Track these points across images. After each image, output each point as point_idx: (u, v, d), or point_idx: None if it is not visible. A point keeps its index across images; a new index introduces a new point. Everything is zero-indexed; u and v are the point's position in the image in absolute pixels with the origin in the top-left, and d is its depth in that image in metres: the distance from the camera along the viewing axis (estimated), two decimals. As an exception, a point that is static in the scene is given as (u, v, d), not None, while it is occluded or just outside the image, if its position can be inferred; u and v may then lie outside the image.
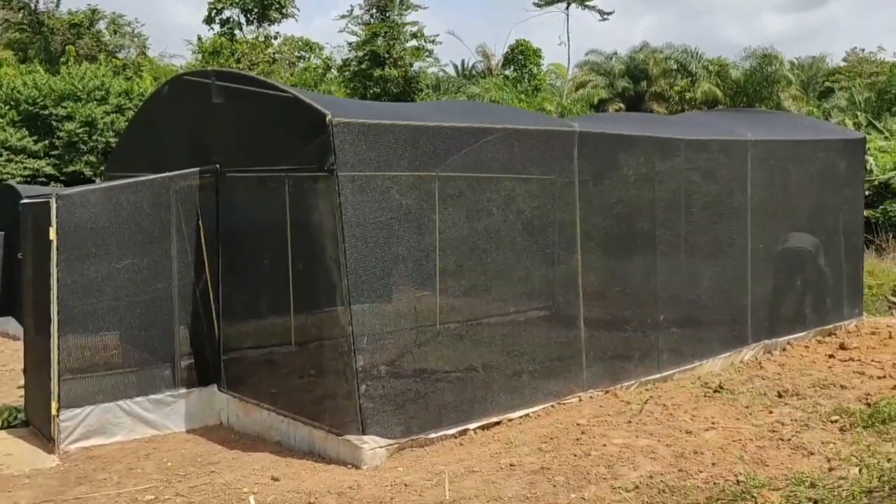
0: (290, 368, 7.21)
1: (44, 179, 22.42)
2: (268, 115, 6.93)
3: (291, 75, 36.50)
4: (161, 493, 5.75)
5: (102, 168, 23.70)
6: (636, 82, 41.03)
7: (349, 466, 6.04)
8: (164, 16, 70.31)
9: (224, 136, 7.60)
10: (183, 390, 7.47)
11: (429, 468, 5.84)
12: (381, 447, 6.08)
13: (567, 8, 44.20)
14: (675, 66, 38.28)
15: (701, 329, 9.04)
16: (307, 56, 41.87)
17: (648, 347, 8.40)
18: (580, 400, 7.43)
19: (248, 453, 6.62)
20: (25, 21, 40.53)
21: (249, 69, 33.25)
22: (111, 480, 6.17)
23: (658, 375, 8.23)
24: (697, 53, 37.01)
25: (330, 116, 5.94)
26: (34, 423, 7.48)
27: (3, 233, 15.03)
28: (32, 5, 40.83)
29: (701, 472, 5.42)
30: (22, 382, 9.46)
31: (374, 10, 34.21)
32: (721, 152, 9.38)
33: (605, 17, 44.35)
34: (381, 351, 6.34)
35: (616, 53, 43.38)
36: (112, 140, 23.57)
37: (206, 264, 7.65)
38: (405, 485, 5.52)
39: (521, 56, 40.06)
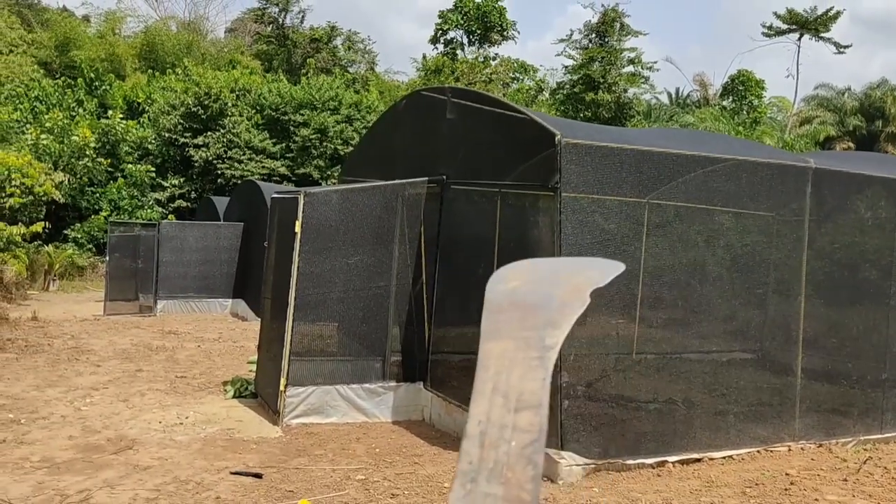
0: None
1: (277, 179, 24.69)
2: (497, 132, 7.27)
3: (504, 95, 37.46)
4: (370, 475, 6.20)
5: (329, 172, 25.70)
6: (870, 121, 37.88)
7: (544, 479, 6.16)
8: (391, 34, 74.94)
9: (452, 149, 8.06)
10: (392, 383, 7.98)
11: (625, 494, 5.82)
12: (577, 465, 6.14)
13: (799, 39, 41.81)
14: (918, 106, 34.90)
15: (934, 394, 8.22)
16: (521, 77, 42.84)
17: (869, 405, 7.78)
18: (790, 449, 7.04)
19: (448, 451, 6.94)
20: (273, 35, 44.92)
21: (467, 88, 34.63)
22: (326, 457, 6.73)
23: (879, 436, 7.59)
24: (947, 93, 33.48)
25: (559, 136, 6.14)
26: (262, 395, 8.32)
27: (243, 223, 16.80)
28: (280, 20, 45.21)
29: (929, 545, 4.97)
30: (251, 358, 10.56)
31: (594, 35, 34.30)
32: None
33: (842, 50, 41.37)
34: (584, 371, 6.42)
35: (849, 89, 40.35)
36: (340, 147, 25.48)
37: (423, 269, 8.14)
38: (600, 505, 5.56)
39: (742, 87, 38.44)
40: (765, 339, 7.89)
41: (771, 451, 6.96)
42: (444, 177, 8.00)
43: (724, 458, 6.72)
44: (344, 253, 7.80)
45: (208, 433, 7.26)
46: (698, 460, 6.61)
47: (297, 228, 7.56)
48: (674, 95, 43.44)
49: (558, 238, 6.16)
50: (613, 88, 33.00)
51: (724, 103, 39.35)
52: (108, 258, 16.13)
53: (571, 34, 35.27)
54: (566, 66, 35.38)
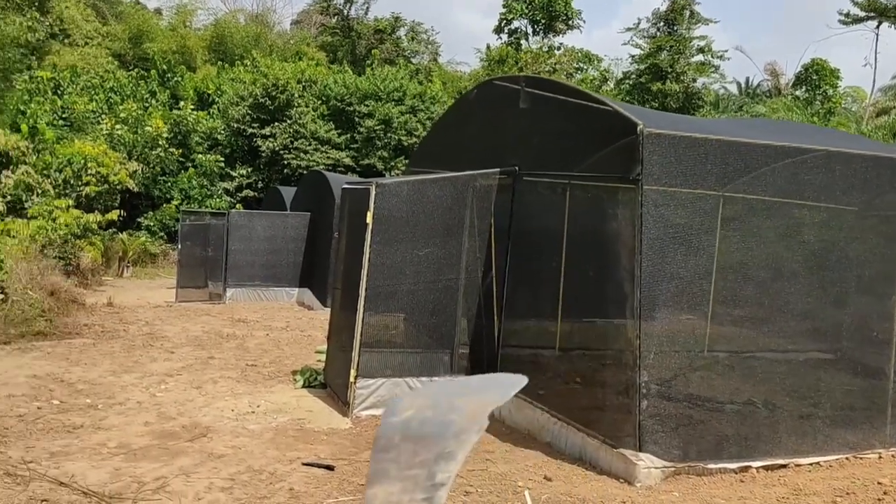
0: (566, 372, 7.29)
1: (342, 169, 24.82)
2: (573, 122, 7.06)
3: (568, 85, 36.86)
4: (442, 470, 6.10)
5: (393, 163, 25.74)
6: (954, 112, 36.04)
7: (621, 481, 5.97)
8: (454, 24, 74.66)
9: (525, 139, 7.88)
10: (461, 377, 7.87)
11: (707, 500, 5.59)
12: (656, 467, 5.93)
13: (878, 26, 40.02)
14: None
15: None
16: (585, 67, 42.13)
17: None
18: (880, 457, 6.68)
19: (520, 448, 6.80)
20: (338, 26, 45.25)
21: (530, 77, 34.31)
22: (396, 450, 6.66)
23: (978, 446, 7.14)
24: None
25: (641, 126, 5.90)
26: (331, 386, 8.32)
27: (309, 213, 16.93)
28: (345, 12, 45.51)
29: None
30: (319, 347, 10.60)
31: (662, 24, 33.50)
32: None
33: (926, 35, 39.41)
34: (663, 371, 6.18)
35: (930, 78, 38.46)
36: (404, 138, 25.47)
37: (493, 261, 8.00)
38: (682, 511, 5.34)
39: (816, 76, 37.09)
40: (854, 340, 7.51)
41: (861, 459, 6.61)
42: (517, 168, 7.83)
43: (811, 464, 6.41)
44: (414, 244, 7.71)
45: (279, 423, 7.28)
46: (783, 466, 6.32)
47: (369, 219, 7.50)
48: (743, 85, 42.26)
49: (639, 232, 5.93)
50: (682, 78, 32.18)
51: (797, 93, 38.02)
52: (179, 246, 16.46)
53: (639, 23, 34.53)
54: (633, 56, 34.66)
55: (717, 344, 7.36)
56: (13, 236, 13.47)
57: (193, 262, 16.77)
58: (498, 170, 7.88)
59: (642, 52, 33.56)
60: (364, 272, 7.50)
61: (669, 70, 31.72)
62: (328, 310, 14.52)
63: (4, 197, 17.08)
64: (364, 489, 4.08)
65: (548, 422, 6.97)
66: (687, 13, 32.73)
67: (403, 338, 7.94)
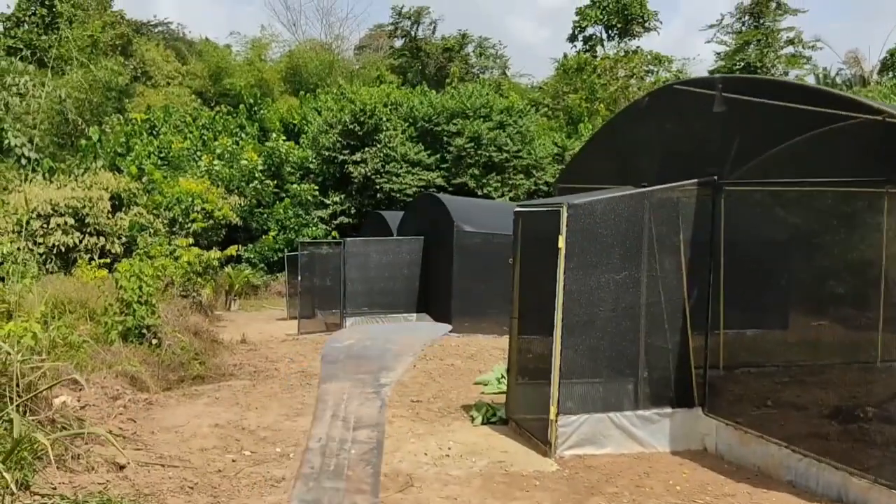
0: (812, 401, 6.57)
1: (434, 190, 24.48)
2: (791, 123, 6.38)
3: (639, 89, 36.03)
4: (697, 519, 5.48)
5: (484, 180, 25.26)
6: None
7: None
8: (510, 35, 74.19)
9: (722, 146, 7.22)
10: (668, 409, 7.23)
11: None
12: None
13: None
14: None
15: None
16: (655, 70, 41.12)
17: None
18: None
19: (762, 490, 6.11)
20: (406, 48, 45.37)
21: (608, 84, 33.61)
22: (623, 496, 6.06)
23: None
24: None
25: (908, 122, 5.22)
26: (518, 422, 7.75)
27: (422, 237, 16.55)
28: (413, 33, 45.63)
29: None
30: (478, 378, 10.10)
31: (747, 17, 32.39)
32: None
33: None
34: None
35: None
36: (494, 154, 25.00)
37: (691, 279, 7.34)
38: None
39: (902, 62, 35.39)
40: None
41: None
42: (715, 177, 7.19)
43: None
44: (609, 267, 7.13)
45: (480, 466, 6.76)
46: None
47: (561, 244, 6.96)
48: (821, 76, 40.69)
49: (911, 241, 5.25)
50: (772, 72, 30.98)
51: (884, 80, 36.31)
52: (300, 278, 16.25)
53: (722, 18, 33.52)
54: (718, 53, 33.59)
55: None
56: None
57: (308, 292, 16.58)
58: (695, 181, 7.25)
59: (728, 48, 32.48)
60: (559, 300, 6.95)
61: (759, 65, 30.57)
62: (454, 335, 14.09)
63: (120, 238, 17.20)
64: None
65: (787, 458, 6.26)
66: (773, 4, 31.58)
67: (603, 369, 7.31)
